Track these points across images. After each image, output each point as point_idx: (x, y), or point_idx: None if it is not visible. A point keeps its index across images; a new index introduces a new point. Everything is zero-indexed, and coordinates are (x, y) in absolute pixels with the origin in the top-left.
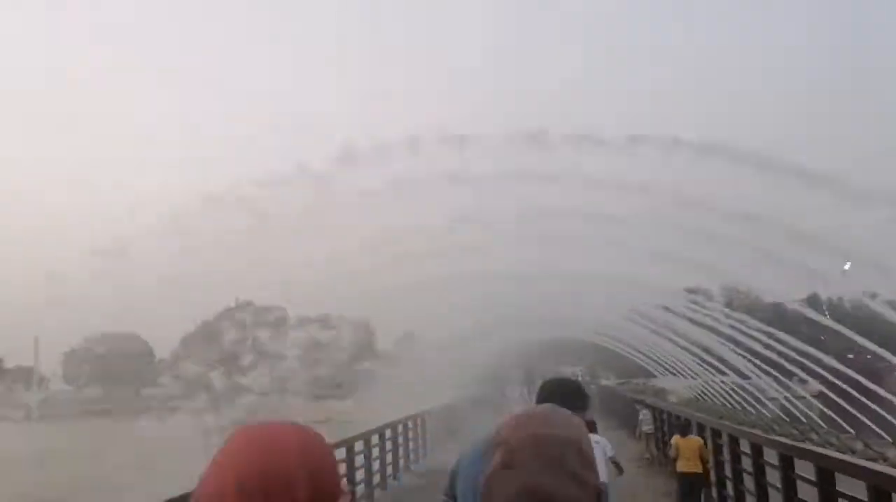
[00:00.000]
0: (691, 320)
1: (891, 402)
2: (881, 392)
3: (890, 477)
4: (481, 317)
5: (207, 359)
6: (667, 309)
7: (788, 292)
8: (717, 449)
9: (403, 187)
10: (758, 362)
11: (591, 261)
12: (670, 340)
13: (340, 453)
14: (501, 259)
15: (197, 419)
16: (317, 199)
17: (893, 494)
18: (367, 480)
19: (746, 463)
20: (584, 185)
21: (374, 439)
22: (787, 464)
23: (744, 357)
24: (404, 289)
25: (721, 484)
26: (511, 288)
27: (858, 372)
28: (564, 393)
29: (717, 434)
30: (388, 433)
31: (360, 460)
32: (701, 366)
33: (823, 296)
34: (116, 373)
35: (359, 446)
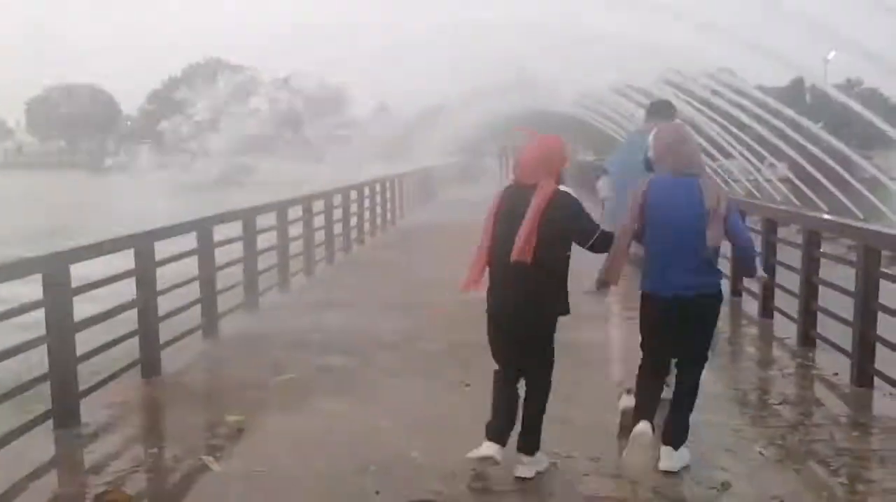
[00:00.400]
0: (678, 88)
1: (858, 191)
2: (850, 179)
3: (886, 234)
4: (459, 85)
5: (173, 117)
6: (668, 82)
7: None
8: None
9: None
10: (747, 140)
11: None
12: None
13: (297, 212)
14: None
15: (166, 176)
16: None
17: (884, 251)
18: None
19: None
20: None
21: (353, 195)
22: (770, 228)
23: (733, 135)
24: (381, 49)
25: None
26: (494, 44)
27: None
28: (662, 108)
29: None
30: (353, 195)
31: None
32: None
33: (808, 83)
34: (81, 127)
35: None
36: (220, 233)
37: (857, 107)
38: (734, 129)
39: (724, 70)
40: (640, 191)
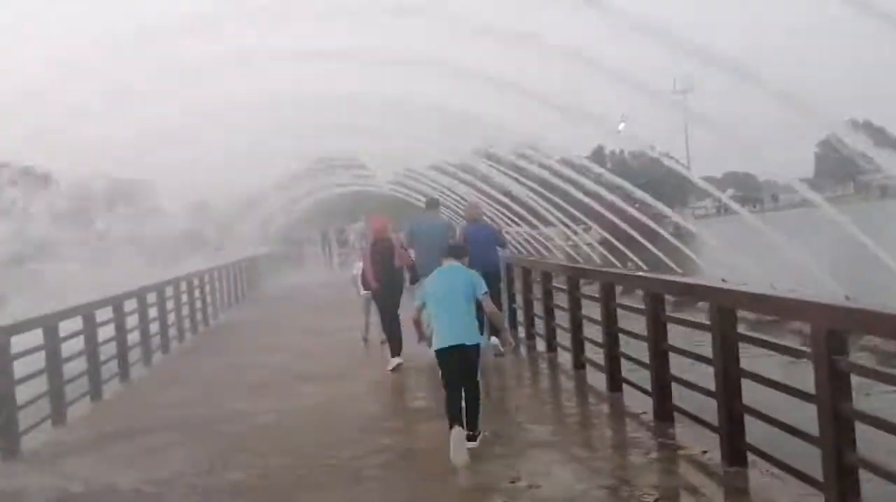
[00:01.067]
0: (495, 164)
1: (668, 242)
2: (662, 232)
3: (666, 281)
4: (274, 169)
5: None
6: (488, 157)
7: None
8: (511, 282)
9: None
10: (565, 207)
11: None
12: (477, 189)
13: (107, 313)
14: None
15: None
16: None
17: (667, 296)
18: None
19: (538, 291)
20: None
21: (153, 298)
22: (573, 285)
23: (552, 201)
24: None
25: (513, 314)
26: (308, 121)
27: (642, 214)
28: (433, 202)
29: (508, 268)
30: (169, 291)
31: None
32: (503, 215)
33: (607, 150)
34: None
35: (132, 305)
36: None
37: (665, 166)
38: (553, 198)
39: (534, 141)
40: (463, 231)
